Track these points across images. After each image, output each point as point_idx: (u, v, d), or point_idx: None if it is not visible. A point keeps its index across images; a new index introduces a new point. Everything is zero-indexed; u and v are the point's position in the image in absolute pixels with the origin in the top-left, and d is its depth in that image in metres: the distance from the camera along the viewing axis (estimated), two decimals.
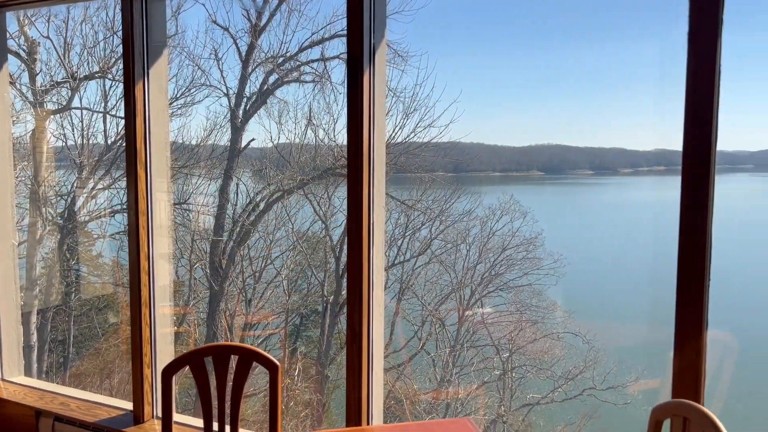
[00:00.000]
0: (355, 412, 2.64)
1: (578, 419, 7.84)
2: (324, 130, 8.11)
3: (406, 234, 8.92)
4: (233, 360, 2.33)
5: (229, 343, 2.47)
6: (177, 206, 8.32)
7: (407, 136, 8.14)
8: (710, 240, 2.10)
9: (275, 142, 8.19)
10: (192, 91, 8.14)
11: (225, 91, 8.05)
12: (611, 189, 11.17)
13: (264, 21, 7.84)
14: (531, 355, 8.42)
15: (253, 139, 8.25)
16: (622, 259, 9.30)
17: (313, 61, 8.03)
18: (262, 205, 8.26)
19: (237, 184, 8.30)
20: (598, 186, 11.16)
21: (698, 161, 2.04)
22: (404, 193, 8.93)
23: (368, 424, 2.70)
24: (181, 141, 8.35)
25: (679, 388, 2.13)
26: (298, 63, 8.02)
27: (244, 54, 7.94)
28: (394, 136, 8.13)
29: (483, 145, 10.66)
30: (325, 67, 7.86)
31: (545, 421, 8.07)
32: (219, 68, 7.99)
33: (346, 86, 2.56)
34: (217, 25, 7.88)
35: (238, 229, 8.25)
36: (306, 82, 8.05)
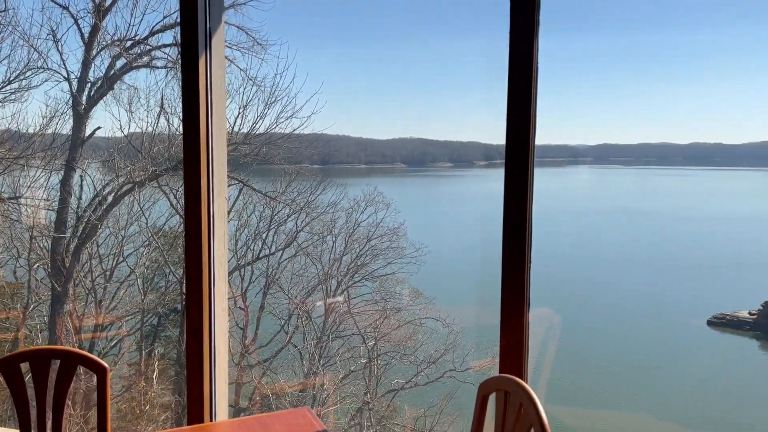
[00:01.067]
0: (197, 410, 2.56)
1: (440, 401, 8.19)
2: (179, 118, 7.72)
3: (271, 227, 8.78)
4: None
5: (49, 346, 2.27)
6: (12, 200, 7.53)
7: (269, 127, 7.98)
8: (530, 228, 2.24)
9: (125, 131, 7.67)
10: (27, 74, 7.40)
11: (66, 75, 7.40)
12: (468, 181, 11.78)
13: (109, 1, 7.29)
14: (395, 342, 8.66)
15: (98, 128, 7.66)
16: (477, 246, 9.85)
17: (165, 45, 7.62)
18: (110, 199, 7.71)
19: (81, 177, 7.68)
20: (456, 178, 11.72)
21: (518, 154, 2.17)
22: (268, 185, 8.77)
23: (212, 420, 2.62)
24: (16, 129, 7.57)
25: (505, 364, 2.28)
26: (148, 47, 7.56)
27: (87, 36, 7.34)
28: (254, 127, 7.95)
29: (349, 137, 10.77)
30: (179, 52, 7.46)
31: (409, 404, 8.34)
32: (58, 50, 7.33)
33: (180, 73, 2.46)
34: (55, 3, 7.22)
35: (83, 225, 7.62)
36: (157, 67, 7.61)
